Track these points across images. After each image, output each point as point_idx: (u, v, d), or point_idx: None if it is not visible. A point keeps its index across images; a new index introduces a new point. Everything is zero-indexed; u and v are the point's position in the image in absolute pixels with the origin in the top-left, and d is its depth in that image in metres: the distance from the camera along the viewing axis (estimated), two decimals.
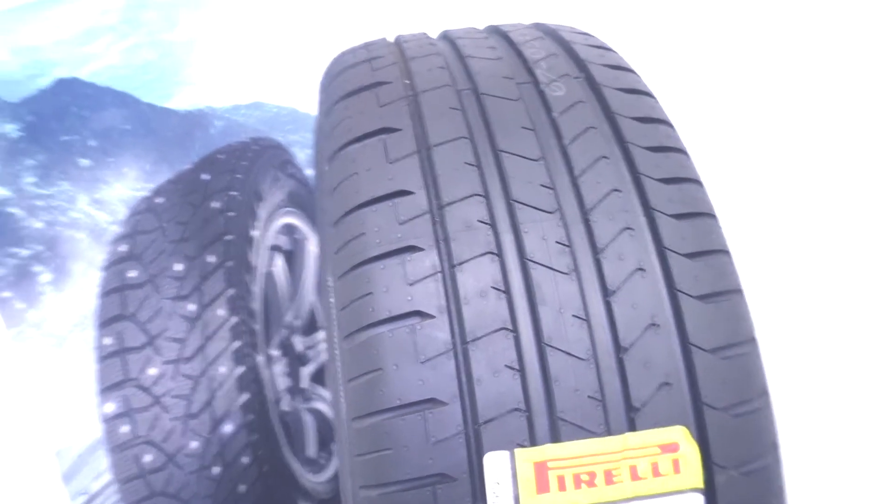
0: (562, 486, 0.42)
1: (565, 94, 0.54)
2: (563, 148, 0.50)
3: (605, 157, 0.50)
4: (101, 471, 0.93)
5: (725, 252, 0.49)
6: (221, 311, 0.93)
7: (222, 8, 0.95)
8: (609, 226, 0.47)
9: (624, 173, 0.49)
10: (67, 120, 0.84)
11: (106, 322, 0.89)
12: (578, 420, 0.43)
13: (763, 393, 0.46)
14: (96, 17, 0.83)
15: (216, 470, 0.95)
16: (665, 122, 0.53)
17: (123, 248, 0.89)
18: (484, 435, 0.42)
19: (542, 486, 0.42)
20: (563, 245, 0.46)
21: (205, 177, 0.98)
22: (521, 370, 0.43)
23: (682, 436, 0.43)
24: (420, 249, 0.45)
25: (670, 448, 0.43)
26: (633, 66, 0.59)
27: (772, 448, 0.46)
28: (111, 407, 0.92)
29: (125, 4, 0.88)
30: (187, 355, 0.93)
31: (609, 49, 0.60)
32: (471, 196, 0.47)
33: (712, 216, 0.50)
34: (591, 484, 0.42)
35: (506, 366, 0.43)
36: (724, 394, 0.44)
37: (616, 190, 0.48)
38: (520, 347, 0.44)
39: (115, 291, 0.90)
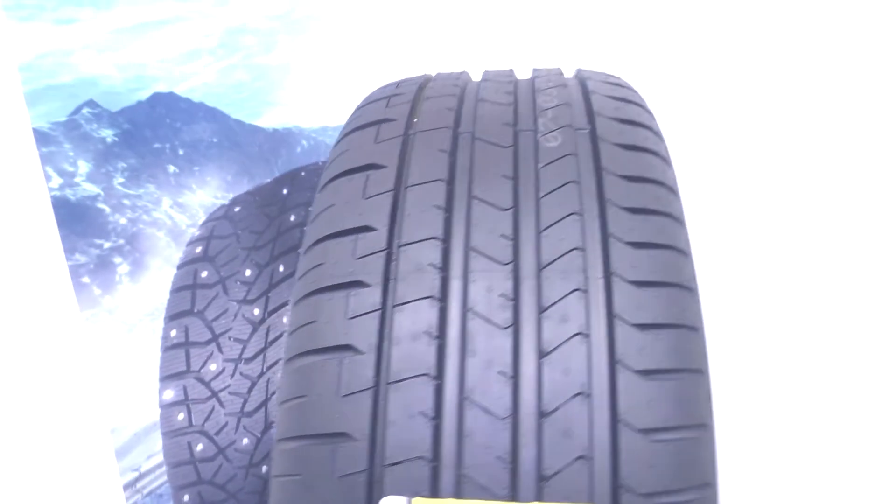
0: None
1: (558, 146, 0.53)
2: (538, 200, 0.49)
3: (576, 213, 0.48)
4: (153, 452, 1.01)
5: (690, 328, 0.45)
6: (286, 319, 0.99)
7: (319, 35, 1.01)
8: (560, 285, 0.45)
9: (594, 232, 0.48)
10: (160, 130, 0.93)
11: (174, 316, 0.97)
12: (483, 480, 0.42)
13: (703, 485, 0.43)
14: (199, 40, 0.92)
15: (264, 469, 1.01)
16: (657, 183, 0.51)
17: (199, 249, 0.97)
18: (387, 477, 0.42)
19: None
20: (508, 298, 0.45)
21: (285, 190, 1.05)
22: (437, 419, 0.43)
23: None
24: (367, 286, 0.46)
25: None
26: (650, 121, 0.56)
27: None
28: (170, 394, 1.00)
29: (226, 29, 0.96)
30: (248, 356, 1.00)
31: (630, 102, 0.58)
32: (429, 239, 0.48)
33: (685, 288, 0.47)
34: None
35: (420, 412, 0.43)
36: (649, 479, 0.41)
37: (578, 249, 0.46)
38: (440, 396, 0.43)
39: (187, 288, 0.98)
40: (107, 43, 0.84)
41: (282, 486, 0.45)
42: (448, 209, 0.49)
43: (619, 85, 0.61)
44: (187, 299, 0.97)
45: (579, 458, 0.42)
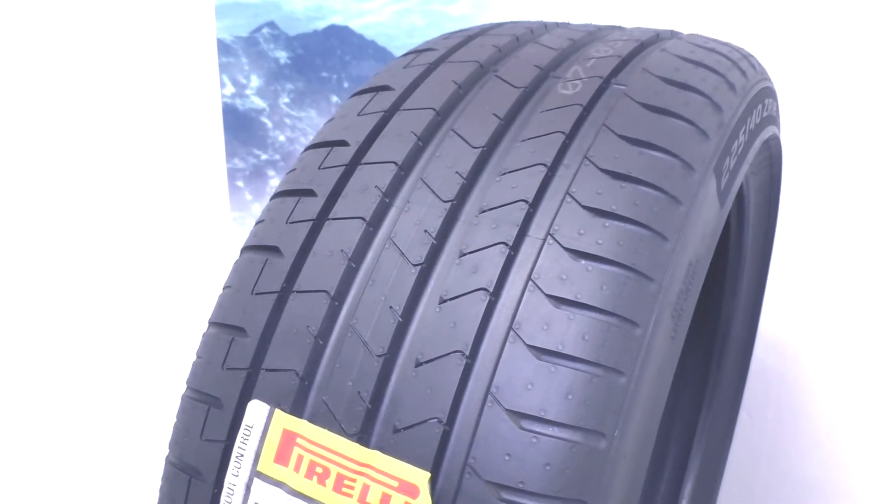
0: (297, 467, 0.39)
1: (570, 95, 0.46)
2: (516, 145, 0.44)
3: (543, 164, 0.42)
4: None
5: (623, 320, 0.37)
6: None
7: None
8: (486, 234, 0.40)
9: (557, 190, 0.41)
10: (330, 60, 1.00)
11: None
12: (339, 413, 0.39)
13: (574, 500, 0.35)
14: None
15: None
16: (666, 152, 0.42)
17: None
18: (261, 381, 0.42)
19: (282, 457, 0.40)
20: (430, 236, 0.41)
21: None
22: (320, 339, 0.41)
23: (423, 483, 0.36)
24: (314, 195, 0.46)
25: (409, 490, 0.37)
26: (715, 91, 0.47)
27: None
28: None
29: None
30: None
31: (705, 66, 0.49)
32: (387, 162, 0.45)
33: (638, 274, 0.38)
34: (321, 481, 0.39)
35: (307, 327, 0.41)
36: (503, 470, 0.35)
37: (524, 201, 0.41)
38: (332, 318, 0.41)
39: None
40: None
41: (192, 365, 0.46)
42: (424, 139, 0.46)
43: (712, 50, 0.51)
44: None
45: (435, 419, 0.37)
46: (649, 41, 0.53)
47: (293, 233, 0.45)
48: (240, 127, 0.98)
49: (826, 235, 0.94)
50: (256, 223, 0.48)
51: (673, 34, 0.58)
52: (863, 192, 0.90)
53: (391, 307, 0.40)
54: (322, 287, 0.42)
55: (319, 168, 0.47)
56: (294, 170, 0.49)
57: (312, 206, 0.45)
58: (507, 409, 0.36)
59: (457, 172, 0.43)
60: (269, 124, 1.00)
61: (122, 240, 0.99)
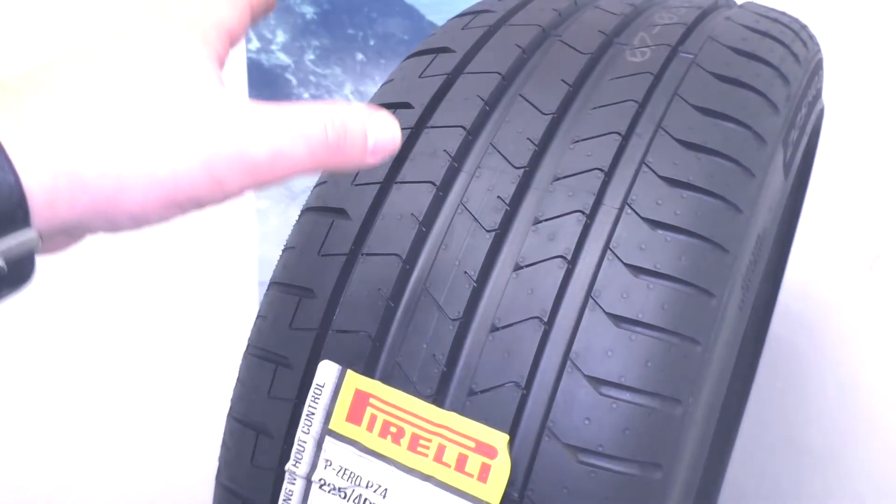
0: (370, 427, 0.40)
1: (640, 62, 0.46)
2: (587, 112, 0.44)
3: (618, 133, 0.42)
4: None
5: (700, 290, 0.38)
6: None
7: None
8: (562, 202, 0.40)
9: (631, 158, 0.41)
10: (357, 17, 0.98)
11: None
12: (413, 374, 0.40)
13: (649, 464, 0.36)
14: None
15: None
16: (739, 123, 0.42)
17: None
18: (331, 342, 0.42)
19: (355, 417, 0.40)
20: (503, 203, 0.41)
21: None
22: (392, 301, 0.41)
23: (502, 444, 0.37)
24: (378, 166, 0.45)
25: (487, 450, 0.37)
26: (782, 62, 0.47)
27: None
28: None
29: None
30: None
31: (769, 36, 0.48)
32: (455, 126, 0.45)
33: (715, 245, 0.39)
34: (396, 440, 0.39)
35: (379, 290, 0.42)
36: (582, 432, 0.36)
37: (600, 170, 0.41)
38: (403, 281, 0.42)
39: None
40: None
41: (254, 324, 0.46)
42: (491, 103, 0.46)
43: (774, 20, 0.51)
44: None
45: (513, 383, 0.38)
46: (710, 8, 0.53)
47: (360, 196, 0.45)
48: (264, 83, 0.97)
49: (846, 211, 0.95)
50: (317, 185, 0.48)
51: (729, 2, 0.58)
52: (883, 175, 0.91)
53: (465, 272, 0.40)
54: (393, 250, 0.42)
55: None
56: None
57: (379, 169, 0.45)
58: (586, 376, 0.37)
59: (528, 139, 0.43)
60: (294, 81, 0.98)
61: None
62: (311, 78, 0.98)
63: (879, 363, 0.96)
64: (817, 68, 0.55)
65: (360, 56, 0.99)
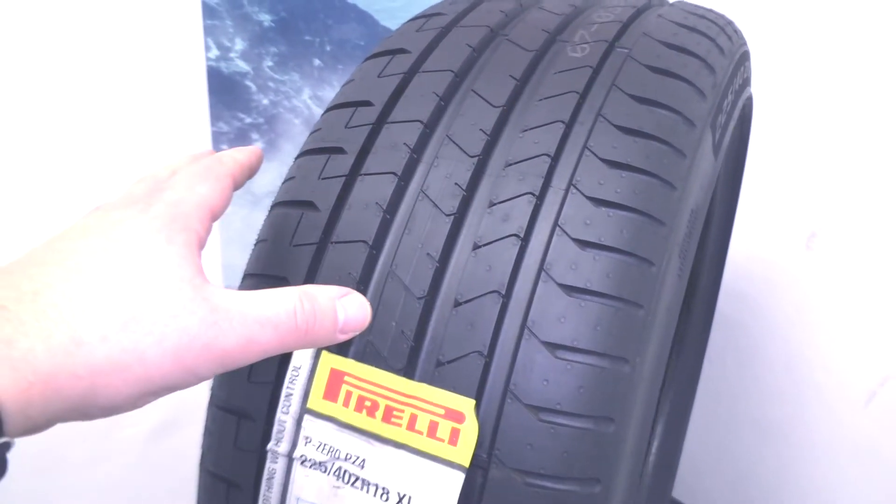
0: (346, 402, 0.43)
1: (580, 57, 0.50)
2: (534, 104, 0.48)
3: (562, 121, 0.46)
4: None
5: (640, 259, 0.42)
6: None
7: None
8: (514, 186, 0.44)
9: (575, 145, 0.45)
10: (313, 24, 1.01)
11: None
12: (385, 350, 0.43)
13: (604, 419, 0.40)
14: None
15: None
16: (670, 109, 0.46)
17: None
18: None
19: (331, 394, 0.43)
20: (461, 189, 0.45)
21: None
22: (361, 284, 0.44)
23: (469, 409, 0.40)
24: (345, 153, 0.49)
25: (455, 416, 0.41)
26: (708, 53, 0.51)
27: (586, 482, 0.40)
28: None
29: None
30: None
31: (697, 31, 0.53)
32: (413, 121, 0.48)
33: (652, 218, 0.43)
34: (370, 413, 0.42)
35: (349, 274, 0.45)
36: (540, 392, 0.40)
37: (546, 155, 0.45)
38: (371, 265, 0.45)
39: None
40: None
41: None
42: (445, 99, 0.49)
43: (701, 16, 0.56)
44: None
45: (477, 352, 0.41)
46: (644, 7, 0.57)
47: (327, 188, 0.48)
48: (224, 90, 0.99)
49: (782, 193, 1.01)
50: (285, 181, 0.51)
51: (662, 1, 0.62)
52: (820, 150, 0.97)
53: (428, 254, 0.44)
54: (360, 237, 0.45)
55: (346, 127, 0.50)
56: (319, 129, 0.52)
57: (344, 163, 0.48)
58: (542, 341, 0.40)
59: (481, 129, 0.47)
60: (253, 87, 1.01)
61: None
62: (270, 84, 1.01)
63: (821, 336, 1.02)
64: (743, 59, 0.60)
65: (317, 62, 1.02)
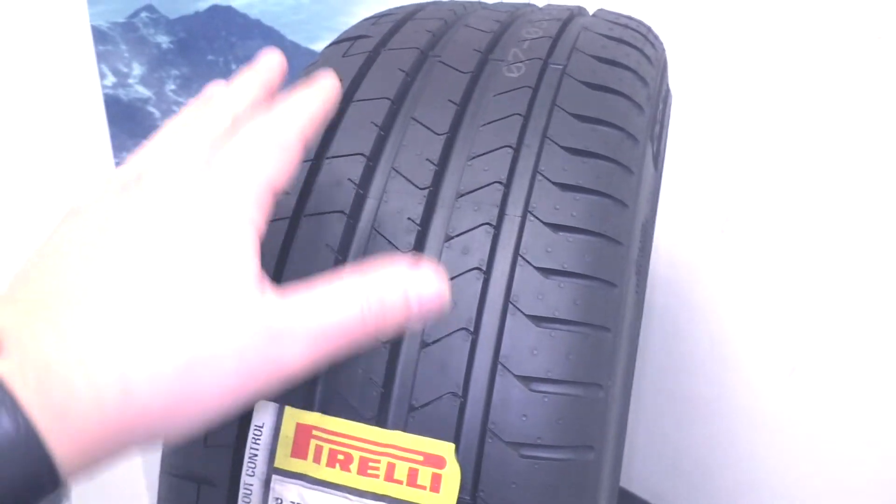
0: (317, 458, 0.41)
1: (517, 77, 0.49)
2: (478, 129, 0.47)
3: (509, 146, 0.45)
4: None
5: (603, 281, 0.42)
6: None
7: None
8: (470, 217, 0.43)
9: (525, 169, 0.45)
10: (215, 42, 0.96)
11: None
12: (353, 400, 0.41)
13: (582, 447, 0.40)
14: None
15: None
16: (613, 126, 0.46)
17: None
18: None
19: (300, 451, 0.41)
20: (415, 223, 0.43)
21: None
22: None
23: (449, 453, 0.39)
24: (286, 193, 0.46)
25: (436, 462, 0.39)
26: (638, 65, 0.52)
27: None
28: None
29: None
30: None
31: (624, 42, 0.53)
32: (355, 155, 0.46)
33: (609, 239, 0.43)
34: (344, 466, 0.40)
35: None
36: (519, 428, 0.39)
37: (499, 182, 0.44)
38: None
39: None
40: None
41: None
42: (385, 128, 0.48)
43: (625, 26, 0.56)
44: None
45: (451, 393, 0.40)
46: (567, 18, 0.57)
47: (271, 236, 0.45)
48: (125, 118, 0.93)
49: (697, 181, 1.05)
50: None
51: (581, 10, 0.63)
52: (731, 142, 1.01)
53: None
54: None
55: None
56: None
57: (286, 205, 0.46)
58: (517, 376, 0.40)
59: (427, 159, 0.46)
60: (157, 113, 0.95)
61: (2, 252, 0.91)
62: (175, 108, 0.96)
63: (739, 316, 1.07)
64: (665, 66, 0.61)
65: (223, 82, 0.98)
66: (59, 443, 0.24)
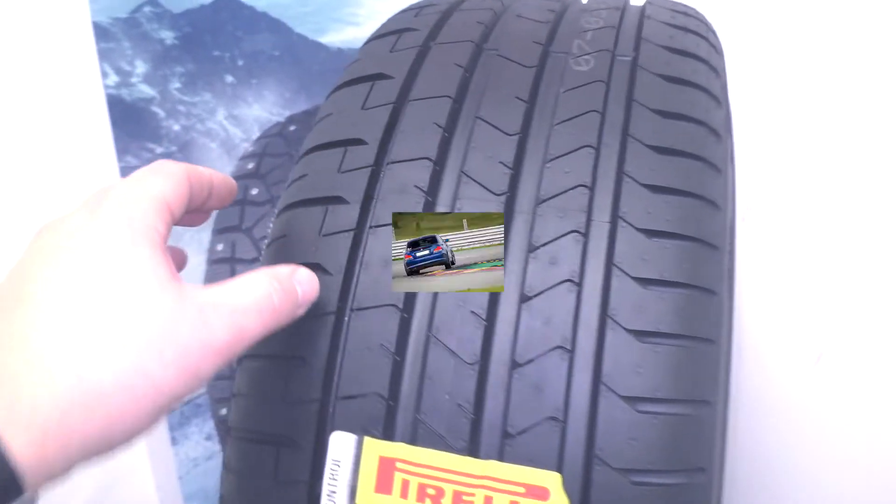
0: (404, 493, 0.38)
1: (587, 71, 0.46)
2: (552, 128, 0.43)
3: (590, 146, 0.42)
4: None
5: (703, 290, 0.39)
6: None
7: None
8: (555, 224, 0.40)
9: (608, 170, 0.41)
10: (221, 37, 0.91)
11: (222, 230, 0.97)
12: (441, 427, 0.38)
13: (695, 469, 0.37)
14: None
15: None
16: (696, 122, 0.43)
17: (251, 165, 0.96)
18: (338, 410, 0.39)
19: (384, 486, 0.38)
20: None
21: None
22: (398, 354, 0.39)
23: (555, 484, 0.36)
24: (345, 203, 0.43)
25: (538, 493, 0.36)
26: (708, 55, 0.49)
27: None
28: None
29: None
30: None
31: (691, 31, 0.50)
32: (420, 159, 0.43)
33: (706, 244, 0.40)
34: (436, 501, 0.37)
35: (381, 345, 0.39)
36: (629, 453, 0.36)
37: (584, 186, 0.40)
38: (405, 330, 0.39)
39: (236, 204, 0.97)
40: None
41: (237, 401, 0.42)
42: (449, 129, 0.44)
43: (685, 13, 0.53)
44: (236, 214, 0.96)
45: (550, 418, 0.37)
46: (623, 7, 0.54)
47: (334, 246, 0.41)
48: (129, 119, 0.88)
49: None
50: (275, 239, 0.44)
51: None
52: (761, 132, 0.99)
53: (472, 311, 0.39)
54: (388, 301, 0.40)
55: (340, 171, 0.44)
56: (304, 176, 0.45)
57: (348, 216, 0.42)
58: (622, 396, 0.36)
59: (501, 162, 0.42)
60: (162, 113, 0.90)
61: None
62: (180, 108, 0.91)
63: (760, 300, 1.04)
64: (723, 54, 0.58)
65: (229, 78, 0.93)
66: (21, 451, 0.25)
